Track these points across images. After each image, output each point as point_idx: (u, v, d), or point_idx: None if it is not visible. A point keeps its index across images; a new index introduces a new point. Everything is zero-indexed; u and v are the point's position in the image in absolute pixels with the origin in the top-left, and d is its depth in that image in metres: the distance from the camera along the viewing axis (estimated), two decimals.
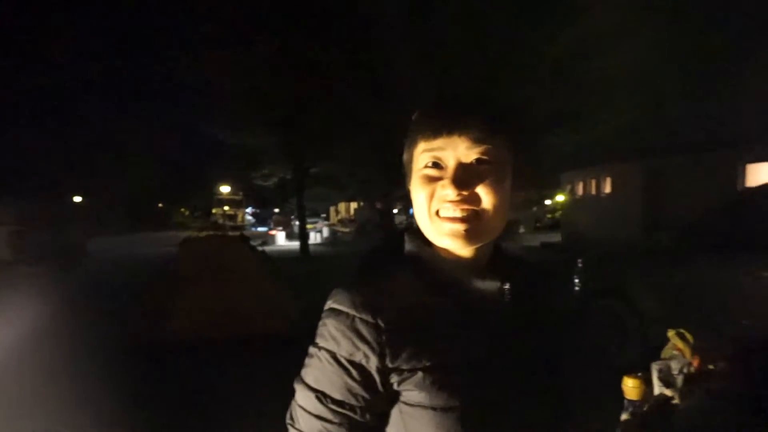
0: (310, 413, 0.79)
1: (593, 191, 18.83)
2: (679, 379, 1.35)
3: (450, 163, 0.80)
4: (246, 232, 30.38)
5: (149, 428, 3.76)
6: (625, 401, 1.34)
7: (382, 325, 0.78)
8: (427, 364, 0.77)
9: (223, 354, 5.49)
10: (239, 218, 39.84)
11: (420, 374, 0.77)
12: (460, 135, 0.79)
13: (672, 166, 13.61)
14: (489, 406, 0.78)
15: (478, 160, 0.80)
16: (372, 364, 0.77)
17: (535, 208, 33.65)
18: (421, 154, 0.82)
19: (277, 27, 9.98)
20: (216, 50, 11.85)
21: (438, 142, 0.80)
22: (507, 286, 0.84)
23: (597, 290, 4.91)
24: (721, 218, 4.41)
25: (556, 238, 20.51)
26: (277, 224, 33.27)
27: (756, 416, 1.11)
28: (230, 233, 8.02)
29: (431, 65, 8.51)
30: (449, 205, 0.79)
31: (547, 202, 34.25)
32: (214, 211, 40.37)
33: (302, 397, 0.81)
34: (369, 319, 0.78)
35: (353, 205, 38.55)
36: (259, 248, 7.69)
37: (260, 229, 36.72)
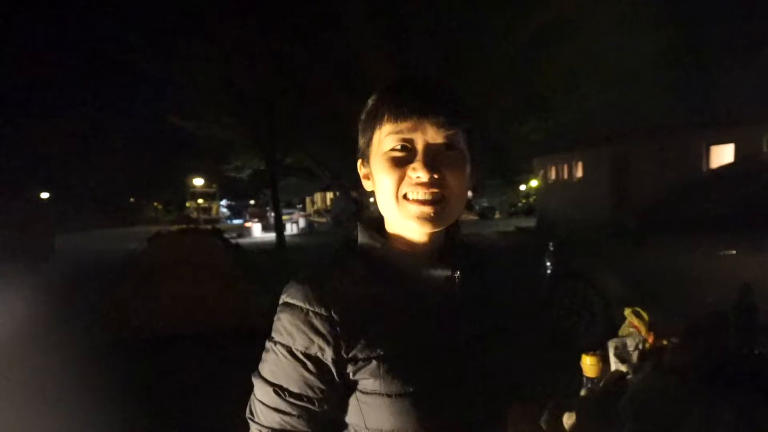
0: (268, 407, 0.80)
1: (565, 176, 19.13)
2: (635, 355, 1.40)
3: (419, 146, 0.80)
4: (221, 225, 30.06)
5: (120, 423, 3.72)
6: (584, 378, 1.38)
7: (335, 317, 0.79)
8: (381, 353, 0.78)
9: (194, 348, 5.43)
10: (214, 211, 39.38)
11: (374, 363, 0.78)
12: (430, 119, 0.79)
13: (639, 149, 13.91)
14: (441, 391, 0.80)
15: (445, 144, 0.80)
16: (327, 356, 0.78)
17: (504, 196, 34.08)
18: (387, 137, 0.81)
19: (243, 18, 9.81)
20: (183, 42, 11.63)
21: (406, 125, 0.79)
22: (457, 274, 0.86)
23: (565, 273, 5.00)
24: (683, 200, 4.53)
25: (531, 222, 20.80)
26: (252, 216, 32.96)
27: (700, 386, 1.15)
28: (204, 226, 7.90)
29: (398, 54, 8.49)
30: (419, 188, 0.79)
31: (522, 187, 34.68)
32: (188, 204, 39.81)
33: (260, 392, 0.82)
34: (322, 312, 0.79)
35: (329, 196, 38.43)
36: (235, 241, 7.61)
37: (236, 221, 36.34)
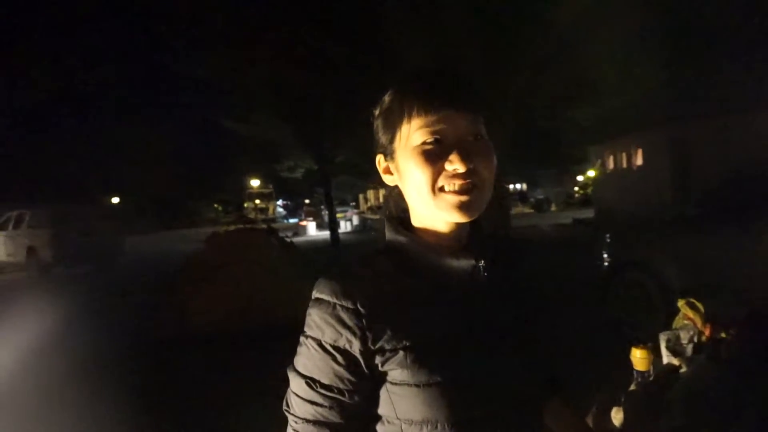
0: (302, 399, 0.83)
1: (624, 164, 18.40)
2: (689, 348, 1.33)
3: (451, 139, 0.81)
4: (277, 224, 30.81)
5: (180, 415, 3.88)
6: (634, 372, 1.33)
7: (362, 310, 0.80)
8: (407, 343, 0.79)
9: (249, 345, 5.58)
10: (270, 211, 40.36)
11: (401, 353, 0.79)
12: (462, 111, 0.80)
13: (701, 132, 13.17)
14: (470, 381, 0.80)
15: (474, 135, 0.82)
16: (355, 348, 0.80)
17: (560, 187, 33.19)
18: (417, 131, 0.82)
19: (287, 19, 10.00)
20: (228, 46, 11.98)
21: (436, 118, 0.80)
22: (482, 264, 0.86)
23: (623, 263, 4.83)
24: (747, 184, 4.27)
25: (588, 213, 20.18)
26: (307, 215, 33.58)
27: (759, 379, 1.09)
28: (260, 226, 8.15)
29: (441, 43, 8.38)
30: (456, 179, 0.80)
31: (579, 177, 33.65)
32: (245, 205, 40.99)
33: (295, 384, 0.84)
34: (349, 305, 0.81)
35: (382, 192, 38.52)
36: (289, 239, 7.80)
37: (291, 220, 37.17)
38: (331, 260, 12.08)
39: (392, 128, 0.86)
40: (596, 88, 10.91)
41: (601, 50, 8.99)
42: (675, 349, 1.34)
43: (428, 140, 0.81)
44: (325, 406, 0.81)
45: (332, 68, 10.49)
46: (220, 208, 55.33)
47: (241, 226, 7.83)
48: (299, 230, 25.93)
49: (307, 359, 0.83)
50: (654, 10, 8.24)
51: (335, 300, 0.82)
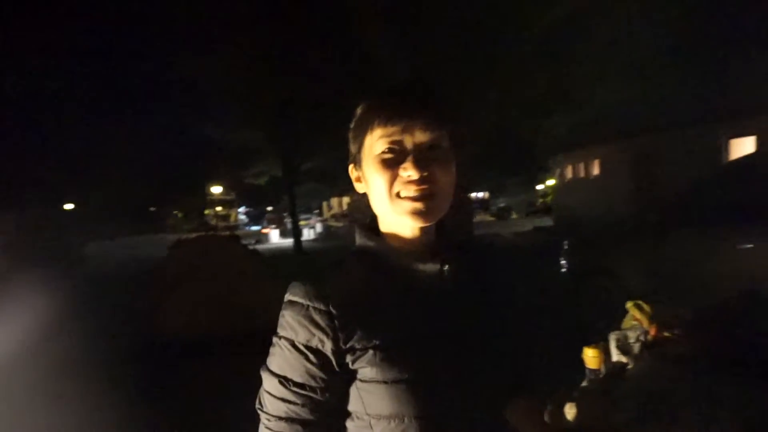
0: (275, 397, 0.86)
1: (582, 174, 18.96)
2: (636, 347, 1.41)
3: (408, 148, 0.85)
4: (239, 232, 30.38)
5: (143, 426, 3.81)
6: (587, 370, 1.40)
7: (333, 311, 0.84)
8: (377, 342, 0.83)
9: (215, 352, 5.52)
10: (232, 218, 39.86)
11: (371, 352, 0.83)
12: (416, 122, 0.85)
13: (657, 144, 13.72)
14: (436, 378, 0.85)
15: (431, 145, 0.86)
16: (327, 347, 0.84)
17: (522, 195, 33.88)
18: (378, 140, 0.87)
19: (261, 25, 9.95)
20: (202, 50, 11.82)
21: (395, 129, 0.85)
22: (446, 267, 0.90)
23: (585, 270, 4.99)
24: (703, 193, 4.49)
25: (549, 222, 20.64)
26: (270, 222, 33.36)
27: (703, 374, 1.17)
28: (223, 233, 8.06)
29: (416, 54, 8.51)
30: (410, 186, 0.85)
31: (540, 186, 34.43)
32: (206, 212, 40.34)
33: (268, 383, 0.87)
34: (321, 307, 0.85)
35: (345, 200, 38.60)
36: (253, 247, 7.74)
37: (253, 228, 36.73)
38: (295, 268, 12.00)
39: (359, 138, 0.91)
40: (566, 100, 11.27)
41: (569, 67, 9.31)
42: (624, 348, 1.41)
43: (386, 149, 0.86)
44: (298, 404, 0.84)
45: (306, 75, 10.48)
46: (180, 215, 54.31)
47: (203, 233, 7.71)
48: (262, 238, 25.71)
49: (281, 359, 0.86)
50: (618, 28, 8.58)
51: (308, 302, 0.85)
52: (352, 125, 0.93)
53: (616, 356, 1.42)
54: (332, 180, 25.38)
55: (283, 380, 0.85)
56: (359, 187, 0.96)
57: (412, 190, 0.85)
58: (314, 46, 10.07)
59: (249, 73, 12.45)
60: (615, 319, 1.69)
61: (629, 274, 4.39)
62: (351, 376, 0.85)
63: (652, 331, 1.42)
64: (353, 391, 0.86)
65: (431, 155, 0.86)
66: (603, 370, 1.37)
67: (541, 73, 9.47)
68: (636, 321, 1.49)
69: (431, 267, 0.90)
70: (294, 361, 0.85)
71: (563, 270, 5.17)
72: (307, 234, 26.21)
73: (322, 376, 0.84)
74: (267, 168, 23.00)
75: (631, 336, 1.42)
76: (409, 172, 0.84)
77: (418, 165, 0.84)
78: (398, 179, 0.85)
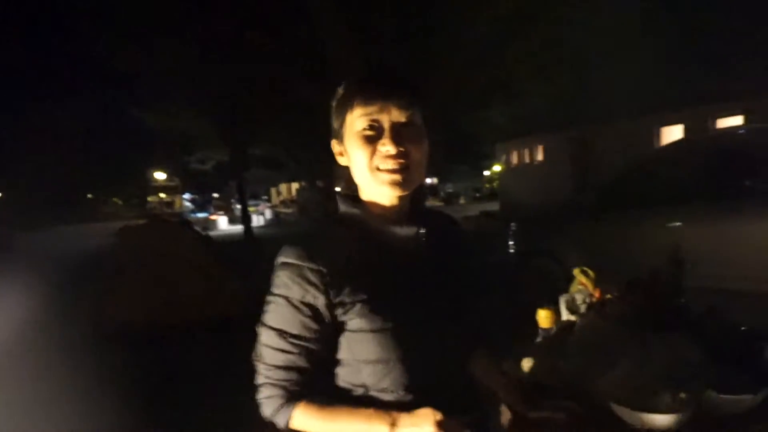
0: (273, 348, 0.98)
1: (527, 160, 19.62)
2: (582, 308, 1.62)
3: (385, 125, 0.98)
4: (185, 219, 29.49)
5: (99, 418, 3.77)
6: (540, 329, 1.60)
7: (324, 270, 0.97)
8: (364, 296, 0.97)
9: (171, 339, 5.46)
10: (176, 204, 38.65)
11: (359, 305, 0.97)
12: (393, 102, 0.98)
13: (596, 133, 14.43)
14: (415, 326, 0.99)
15: (405, 123, 0.99)
16: (320, 302, 0.97)
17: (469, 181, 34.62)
18: (359, 119, 0.99)
19: (204, 10, 9.70)
20: (142, 32, 11.37)
21: (374, 108, 0.98)
22: (422, 231, 1.05)
23: (529, 251, 5.28)
24: (634, 177, 4.84)
25: (495, 207, 21.26)
26: (217, 209, 32.59)
27: (636, 330, 1.37)
28: (173, 219, 7.89)
29: (365, 45, 8.59)
30: (388, 159, 0.97)
31: (486, 173, 35.28)
32: (149, 198, 38.96)
33: (266, 337, 0.99)
34: (314, 266, 0.97)
35: (295, 186, 38.25)
36: (204, 233, 7.64)
37: (200, 214, 35.75)
38: (247, 254, 11.89)
39: (341, 116, 1.03)
40: (508, 92, 11.64)
41: (514, 58, 9.65)
42: (572, 309, 1.62)
43: (366, 126, 0.99)
44: (295, 353, 0.97)
45: (254, 57, 10.29)
46: (120, 202, 52.20)
47: (145, 220, 7.53)
48: (209, 225, 25.11)
49: (277, 314, 0.99)
50: (556, 26, 8.96)
51: (301, 262, 0.98)
52: (333, 103, 1.05)
53: (565, 316, 1.62)
54: (280, 166, 25.10)
55: (281, 332, 0.97)
56: (342, 161, 1.07)
57: (389, 164, 0.98)
58: (264, 30, 9.92)
59: (192, 59, 12.12)
60: (558, 290, 1.91)
61: (569, 253, 4.69)
62: (341, 327, 0.98)
63: (596, 294, 1.64)
64: (342, 340, 0.99)
65: (406, 132, 0.99)
66: (554, 328, 1.56)
67: (482, 68, 9.77)
68: (582, 285, 1.70)
69: (408, 230, 1.04)
70: (290, 315, 0.97)
71: (513, 251, 5.45)
72: (257, 220, 25.84)
73: (316, 327, 0.97)
74: (212, 153, 22.44)
75: (578, 298, 1.63)
76: (387, 147, 0.97)
77: (395, 141, 0.97)
78: (377, 153, 0.98)
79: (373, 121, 0.98)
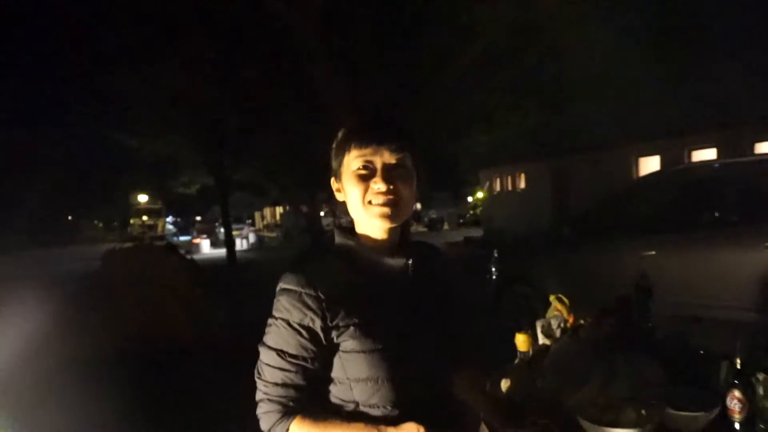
0: (272, 366, 1.08)
1: (509, 187, 19.95)
2: (558, 332, 1.74)
3: (378, 166, 1.11)
4: (168, 242, 29.22)
5: None
6: (518, 352, 1.70)
7: (322, 296, 1.08)
8: (356, 320, 1.08)
9: (161, 364, 5.43)
10: (159, 228, 38.17)
11: (352, 328, 1.08)
12: (385, 146, 1.11)
13: (576, 162, 14.79)
14: (403, 348, 1.11)
15: (396, 164, 1.12)
16: (317, 325, 1.07)
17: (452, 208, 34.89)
18: (354, 159, 1.11)
19: (194, 34, 9.83)
20: (128, 57, 11.45)
21: (368, 150, 1.10)
22: (410, 262, 1.17)
23: (510, 277, 5.41)
24: (610, 207, 5.03)
25: (478, 233, 21.47)
26: (200, 232, 32.30)
27: (605, 351, 1.49)
28: (158, 243, 7.89)
29: (349, 76, 8.80)
30: (380, 196, 1.10)
31: (469, 199, 35.63)
32: (132, 221, 38.51)
33: (266, 356, 1.10)
34: (312, 292, 1.08)
35: (279, 210, 38.19)
36: (190, 256, 7.65)
37: (183, 238, 35.44)
38: (231, 279, 11.85)
39: (339, 157, 1.16)
40: (490, 120, 11.94)
41: (495, 88, 9.95)
42: (548, 333, 1.73)
43: (361, 166, 1.12)
44: (293, 371, 1.07)
45: (240, 84, 10.42)
46: (100, 225, 51.49)
47: (136, 243, 7.53)
48: (192, 248, 24.88)
49: (277, 335, 1.09)
50: (535, 60, 9.30)
51: (301, 289, 1.09)
52: (334, 146, 1.17)
53: (541, 340, 1.74)
54: (264, 191, 25.11)
55: (280, 353, 1.07)
56: (339, 197, 1.19)
57: (381, 199, 1.10)
58: (249, 58, 10.08)
59: (176, 83, 12.20)
60: (536, 316, 2.03)
61: (547, 280, 4.83)
62: (335, 348, 1.09)
63: (570, 320, 1.76)
64: (336, 360, 1.10)
65: (396, 172, 1.11)
66: (531, 351, 1.67)
67: (464, 97, 10.06)
68: (557, 311, 1.82)
69: (398, 261, 1.16)
70: (289, 337, 1.07)
71: (495, 278, 5.57)
72: (240, 244, 25.73)
73: (313, 348, 1.07)
74: (196, 177, 22.40)
75: (554, 323, 1.75)
76: (378, 185, 1.09)
77: (386, 180, 1.09)
78: (370, 190, 1.10)
79: (368, 162, 1.10)
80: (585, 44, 9.01)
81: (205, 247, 26.07)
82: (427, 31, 8.98)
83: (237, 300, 7.39)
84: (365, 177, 1.10)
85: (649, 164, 12.42)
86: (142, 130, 15.72)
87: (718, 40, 11.39)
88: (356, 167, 1.11)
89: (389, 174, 1.10)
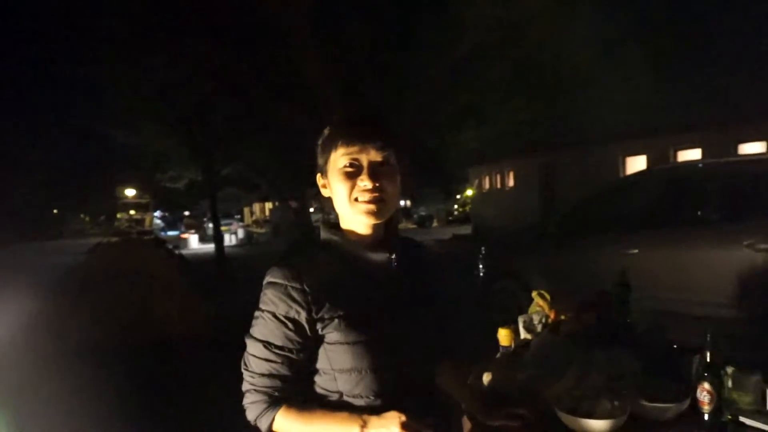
0: (259, 358, 1.11)
1: (498, 185, 20.06)
2: (539, 327, 1.78)
3: (364, 164, 1.13)
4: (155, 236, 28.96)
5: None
6: (500, 347, 1.75)
7: (307, 289, 1.11)
8: (341, 313, 1.11)
9: (147, 358, 5.42)
10: (147, 222, 37.88)
11: (336, 321, 1.11)
12: (371, 144, 1.13)
13: (564, 159, 14.91)
14: (386, 339, 1.14)
15: (381, 162, 1.15)
16: (302, 317, 1.11)
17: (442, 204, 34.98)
18: (341, 157, 1.14)
19: (184, 28, 9.76)
20: (114, 48, 11.34)
21: (354, 148, 1.13)
22: (393, 256, 1.20)
23: (497, 273, 5.47)
24: (595, 205, 5.11)
25: (467, 230, 21.58)
26: (188, 227, 32.09)
27: (583, 345, 1.53)
28: (147, 237, 7.87)
29: (338, 71, 8.81)
30: (366, 193, 1.12)
31: (458, 196, 35.74)
32: (118, 215, 38.20)
33: (252, 348, 1.13)
34: (297, 285, 1.11)
35: (268, 206, 38.06)
36: (178, 251, 7.64)
37: (171, 232, 35.18)
38: (219, 273, 11.82)
39: (326, 154, 1.19)
40: (478, 117, 11.99)
41: (484, 85, 10.00)
42: (529, 328, 1.78)
43: (348, 164, 1.15)
44: (278, 362, 1.10)
45: (229, 78, 10.37)
46: (87, 219, 51.00)
47: (122, 237, 7.49)
48: (180, 243, 24.70)
49: (264, 327, 1.13)
50: (526, 56, 9.34)
51: (287, 282, 1.12)
52: (319, 142, 1.20)
53: (523, 335, 1.78)
54: (252, 186, 24.99)
55: (266, 344, 1.11)
56: (325, 192, 1.22)
57: (366, 196, 1.13)
58: (239, 52, 10.03)
59: (164, 77, 12.12)
60: (522, 311, 2.07)
61: (532, 276, 4.89)
62: (320, 339, 1.12)
63: (552, 315, 1.80)
64: (321, 351, 1.13)
65: (381, 170, 1.14)
66: (512, 346, 1.72)
67: (453, 92, 10.09)
68: (539, 307, 1.87)
69: (382, 256, 1.19)
70: (275, 329, 1.10)
71: (482, 273, 5.64)
72: (229, 239, 25.60)
73: (298, 339, 1.10)
74: (184, 172, 22.24)
75: (535, 319, 1.80)
76: (364, 182, 1.12)
77: (372, 177, 1.12)
78: (356, 188, 1.13)
79: (354, 159, 1.13)
80: (573, 41, 9.08)
81: (194, 242, 25.93)
82: (416, 26, 9.01)
83: (225, 295, 7.40)
84: (352, 174, 1.13)
85: (636, 163, 12.55)
86: (130, 122, 15.59)
87: (705, 39, 11.54)
88: (343, 165, 1.13)
89: (375, 171, 1.13)
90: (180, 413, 3.98)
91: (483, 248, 5.94)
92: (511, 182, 19.06)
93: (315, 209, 26.87)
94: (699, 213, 4.51)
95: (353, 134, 1.14)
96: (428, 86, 9.07)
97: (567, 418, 1.25)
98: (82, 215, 51.60)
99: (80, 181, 40.12)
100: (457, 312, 1.58)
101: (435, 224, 32.54)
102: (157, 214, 44.63)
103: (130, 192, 38.04)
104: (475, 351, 1.90)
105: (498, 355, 1.70)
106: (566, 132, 14.07)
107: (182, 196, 32.28)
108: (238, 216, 42.58)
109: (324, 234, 1.22)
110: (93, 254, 6.32)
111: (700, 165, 5.76)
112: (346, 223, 1.20)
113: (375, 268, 1.18)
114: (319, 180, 1.22)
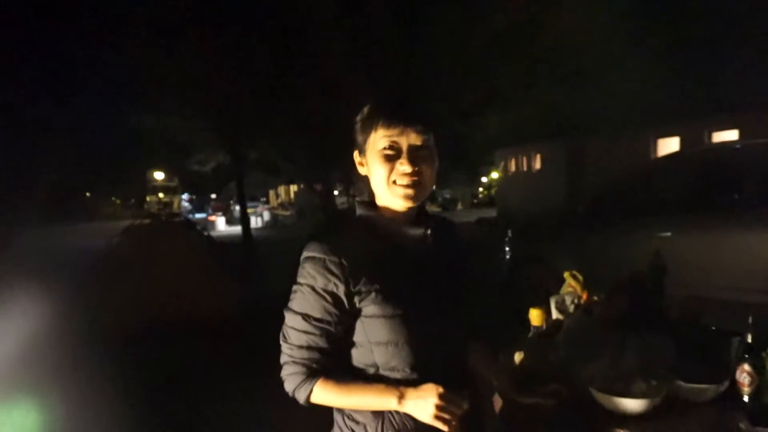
0: (298, 330, 1.14)
1: (524, 168, 19.81)
2: (571, 308, 1.77)
3: (404, 147, 1.14)
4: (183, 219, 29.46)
5: (100, 416, 3.83)
6: (532, 327, 1.75)
7: (345, 263, 1.13)
8: (378, 286, 1.13)
9: (183, 339, 5.51)
10: (175, 205, 38.60)
11: (373, 294, 1.12)
12: (412, 127, 1.13)
13: (593, 143, 14.62)
14: (422, 313, 1.15)
15: (421, 146, 1.15)
16: (341, 290, 1.12)
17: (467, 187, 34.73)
18: (381, 139, 1.14)
19: (209, 15, 9.83)
20: (144, 37, 11.50)
21: (395, 131, 1.13)
22: (429, 231, 1.21)
23: (523, 257, 5.43)
24: (626, 187, 5.00)
25: (492, 213, 21.42)
26: (216, 210, 32.58)
27: (616, 327, 1.52)
28: (177, 219, 8.02)
29: (363, 54, 8.77)
30: (404, 177, 1.13)
31: (484, 179, 35.43)
32: (148, 198, 38.99)
33: (291, 320, 1.15)
34: (335, 259, 1.13)
35: (293, 188, 38.35)
36: (207, 233, 7.77)
37: (198, 215, 35.80)
38: (247, 255, 11.99)
39: (365, 133, 1.19)
40: (505, 101, 11.85)
41: (511, 69, 9.86)
42: (561, 309, 1.77)
43: (387, 146, 1.15)
44: (317, 334, 1.12)
45: (256, 63, 10.44)
46: (118, 202, 52.15)
47: (149, 221, 7.64)
48: (207, 225, 25.11)
49: (303, 300, 1.15)
50: (554, 37, 9.16)
51: (325, 256, 1.14)
52: (359, 119, 1.20)
53: (555, 315, 1.78)
54: (278, 169, 25.16)
55: (305, 317, 1.13)
56: (362, 170, 1.23)
57: (405, 180, 1.13)
58: (266, 38, 10.05)
59: (192, 62, 12.24)
60: (549, 293, 2.06)
61: (561, 259, 4.83)
62: (357, 312, 1.14)
63: (584, 296, 1.79)
64: (358, 324, 1.15)
65: (420, 153, 1.15)
66: (544, 326, 1.72)
67: (479, 76, 9.96)
68: (571, 288, 1.85)
69: (416, 231, 1.20)
70: (314, 302, 1.13)
71: (509, 257, 5.60)
72: (255, 222, 25.93)
73: (336, 312, 1.12)
74: (211, 156, 22.52)
75: (568, 299, 1.79)
76: (404, 166, 1.13)
77: (411, 161, 1.13)
78: (395, 171, 1.14)
79: (393, 142, 1.13)
80: (603, 22, 8.87)
81: (221, 224, 26.35)
82: (444, 6, 8.90)
83: (254, 275, 7.52)
84: (391, 157, 1.13)
85: (669, 145, 12.24)
86: (159, 107, 15.84)
87: (745, 18, 11.12)
88: (382, 146, 1.14)
89: (414, 155, 1.13)
90: (213, 394, 4.07)
91: (509, 231, 5.89)
92: (537, 165, 18.80)
93: (339, 192, 26.96)
94: (736, 196, 4.38)
95: (394, 116, 1.14)
96: (456, 66, 8.98)
97: (602, 397, 1.25)
98: (113, 198, 52.76)
99: (111, 164, 40.94)
100: (487, 292, 1.59)
101: (460, 207, 32.37)
102: (185, 197, 45.41)
103: (159, 175, 38.76)
104: (503, 334, 1.90)
105: (530, 334, 1.70)
106: (595, 114, 13.78)
107: (209, 179, 32.79)
108: (264, 199, 43.03)
109: (360, 210, 1.24)
110: (124, 236, 6.47)
111: (738, 146, 5.58)
112: (381, 201, 1.21)
113: (410, 244, 1.19)
114: (356, 157, 1.23)
